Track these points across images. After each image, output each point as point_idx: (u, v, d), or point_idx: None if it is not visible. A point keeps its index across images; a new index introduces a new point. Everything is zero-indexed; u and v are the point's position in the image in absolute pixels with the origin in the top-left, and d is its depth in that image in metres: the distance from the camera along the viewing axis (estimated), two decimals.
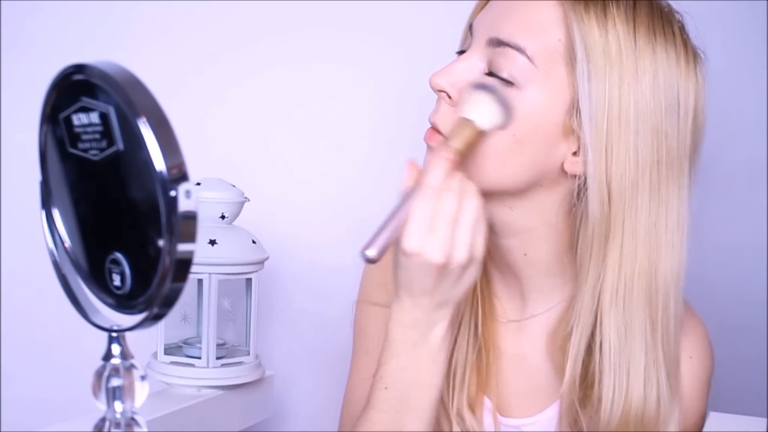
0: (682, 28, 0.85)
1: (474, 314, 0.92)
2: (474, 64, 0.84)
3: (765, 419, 0.83)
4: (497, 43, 0.82)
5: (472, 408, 0.91)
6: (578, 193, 0.83)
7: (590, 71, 0.79)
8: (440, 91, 0.84)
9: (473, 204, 0.78)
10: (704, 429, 0.81)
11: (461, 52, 0.88)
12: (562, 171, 0.84)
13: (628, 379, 0.83)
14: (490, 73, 0.83)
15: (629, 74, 0.80)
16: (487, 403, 0.93)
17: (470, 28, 0.87)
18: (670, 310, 0.83)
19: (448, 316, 0.81)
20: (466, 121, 0.79)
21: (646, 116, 0.80)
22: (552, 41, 0.81)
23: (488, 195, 0.83)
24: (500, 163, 0.82)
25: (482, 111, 0.80)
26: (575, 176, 0.83)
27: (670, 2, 0.86)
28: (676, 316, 0.84)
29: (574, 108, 0.81)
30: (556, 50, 0.81)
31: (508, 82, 0.81)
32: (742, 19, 1.17)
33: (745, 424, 0.83)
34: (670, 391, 0.84)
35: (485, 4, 0.88)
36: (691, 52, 0.84)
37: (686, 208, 0.83)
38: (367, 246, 0.74)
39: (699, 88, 0.84)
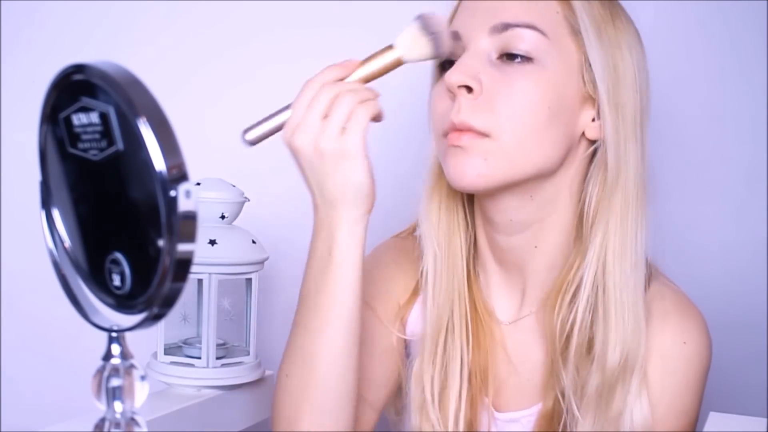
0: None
1: (466, 338, 0.93)
2: (482, 53, 0.86)
3: (765, 419, 0.83)
4: (503, 27, 0.85)
5: (471, 418, 0.93)
6: (593, 158, 0.89)
7: (595, 36, 0.86)
8: (461, 86, 0.84)
9: (349, 100, 0.80)
10: (704, 429, 0.81)
11: (448, 63, 0.88)
12: (580, 140, 0.89)
13: (625, 320, 0.86)
14: (504, 55, 0.85)
15: (613, 36, 0.87)
16: (485, 400, 0.94)
17: (453, 35, 0.88)
18: (644, 244, 0.89)
19: (344, 220, 0.83)
20: (391, 50, 0.83)
21: (632, 73, 0.87)
22: (552, 14, 0.86)
23: (518, 186, 0.86)
24: (540, 139, 0.85)
25: (409, 42, 0.83)
26: (592, 142, 0.88)
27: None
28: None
29: (587, 73, 0.86)
30: (558, 22, 0.86)
31: (527, 59, 0.84)
32: (742, 19, 1.17)
33: (745, 424, 0.82)
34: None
35: (459, 5, 0.90)
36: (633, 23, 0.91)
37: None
38: (247, 130, 0.82)
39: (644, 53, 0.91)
